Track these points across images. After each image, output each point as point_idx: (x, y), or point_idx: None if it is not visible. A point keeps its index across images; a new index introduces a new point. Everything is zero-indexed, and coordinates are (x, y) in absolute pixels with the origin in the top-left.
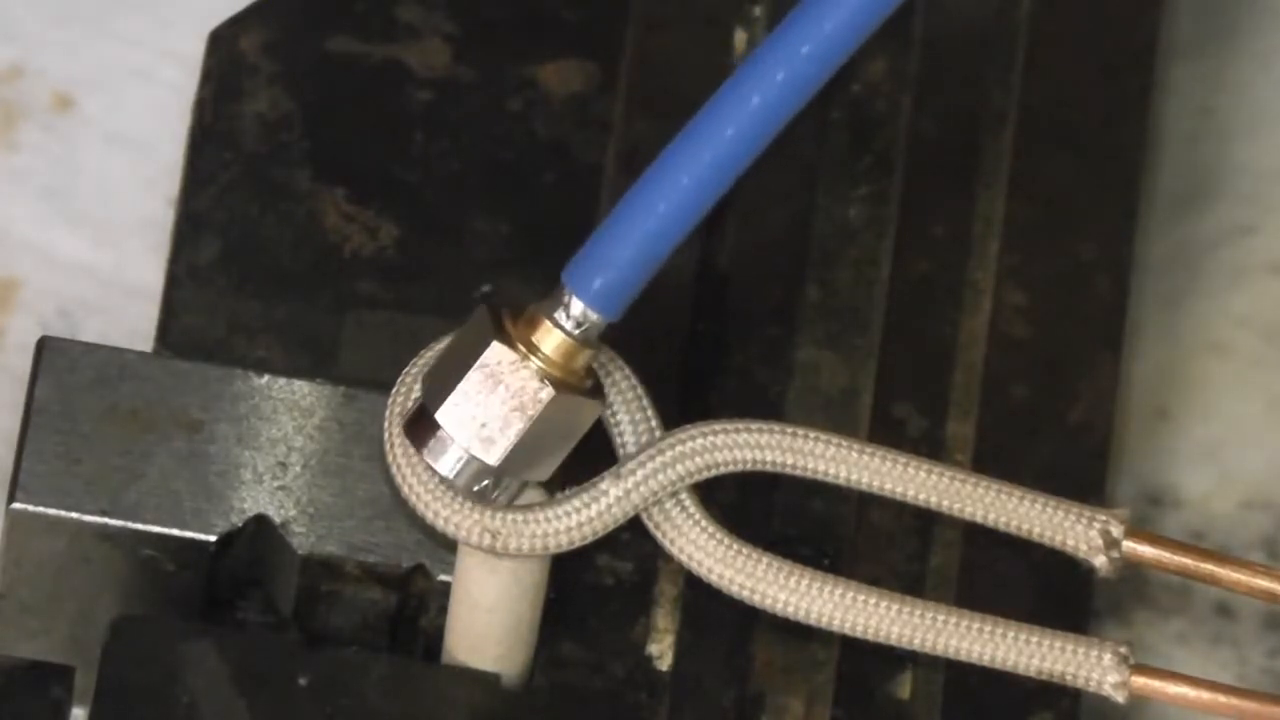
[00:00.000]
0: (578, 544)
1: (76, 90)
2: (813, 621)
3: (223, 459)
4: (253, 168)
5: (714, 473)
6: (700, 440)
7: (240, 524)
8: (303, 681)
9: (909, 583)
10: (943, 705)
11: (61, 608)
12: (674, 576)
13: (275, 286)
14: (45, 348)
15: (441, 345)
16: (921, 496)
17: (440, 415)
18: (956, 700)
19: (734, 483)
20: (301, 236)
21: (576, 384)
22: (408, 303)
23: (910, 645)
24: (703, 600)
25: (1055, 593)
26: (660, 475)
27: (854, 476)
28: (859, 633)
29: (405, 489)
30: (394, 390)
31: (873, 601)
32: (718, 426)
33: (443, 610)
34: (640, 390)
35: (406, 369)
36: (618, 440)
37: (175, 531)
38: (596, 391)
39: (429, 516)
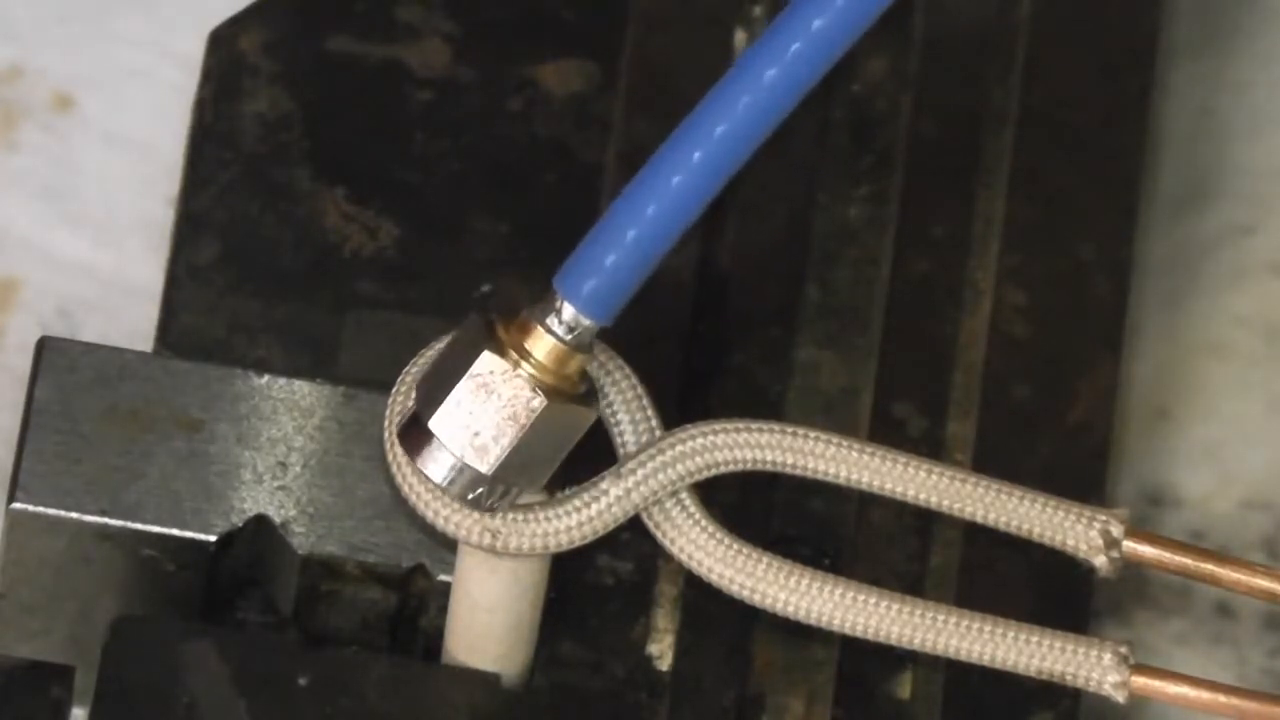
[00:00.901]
0: (578, 543)
1: (76, 90)
2: (813, 621)
3: (223, 459)
4: (253, 168)
5: (714, 472)
6: (700, 440)
7: (240, 524)
8: (303, 681)
9: (909, 583)
10: (943, 705)
11: (61, 608)
12: (674, 576)
13: (275, 286)
14: (45, 348)
15: (438, 346)
16: (921, 496)
17: (433, 424)
18: (956, 700)
19: (734, 483)
20: (301, 236)
21: (569, 390)
22: (408, 303)
23: (910, 645)
24: (703, 600)
25: (1055, 593)
26: (660, 475)
27: (854, 476)
28: (859, 632)
29: (406, 488)
30: (394, 390)
31: (873, 601)
32: (718, 426)
33: (443, 610)
34: (640, 390)
35: (406, 369)
36: (618, 440)
37: (175, 531)
38: (590, 398)
39: (429, 516)
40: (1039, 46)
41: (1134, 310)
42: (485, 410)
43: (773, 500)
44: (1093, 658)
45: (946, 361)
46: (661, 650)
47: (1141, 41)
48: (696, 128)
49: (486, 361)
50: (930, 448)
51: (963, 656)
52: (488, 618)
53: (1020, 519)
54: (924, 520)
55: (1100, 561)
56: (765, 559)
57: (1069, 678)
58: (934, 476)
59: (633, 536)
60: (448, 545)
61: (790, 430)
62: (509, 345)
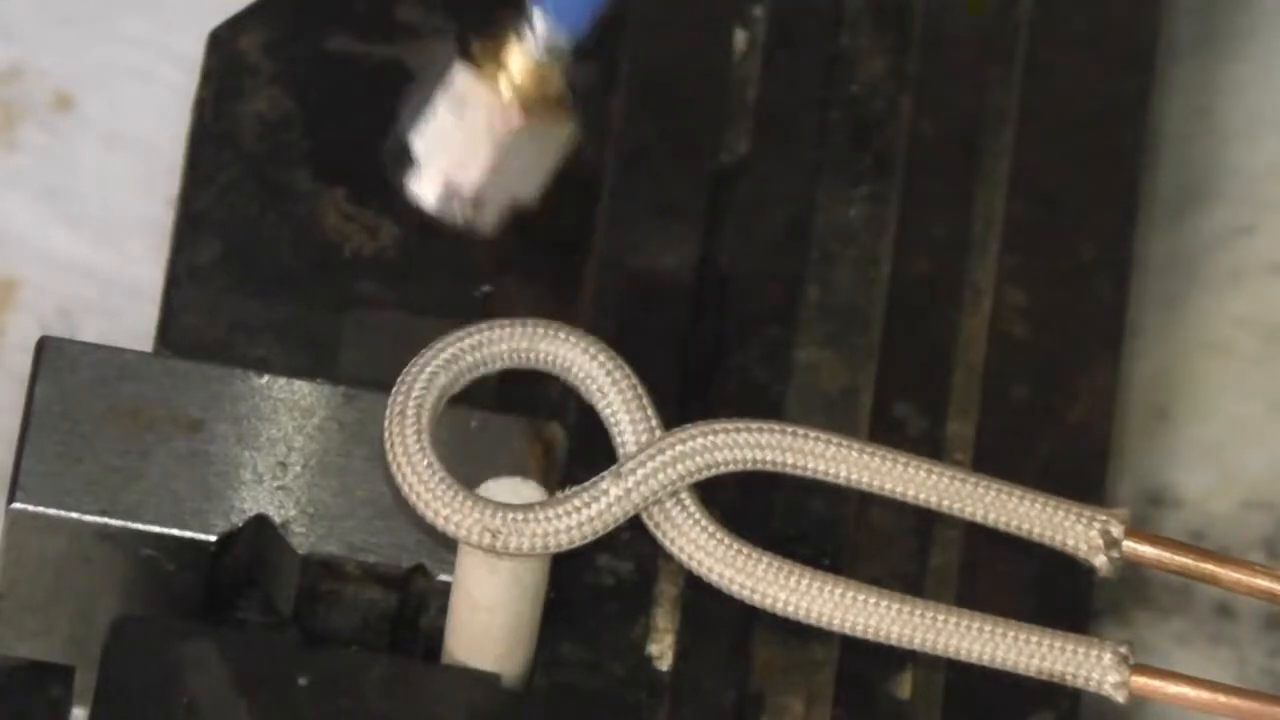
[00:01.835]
0: (578, 543)
1: (76, 90)
2: (812, 621)
3: (223, 459)
4: (253, 168)
5: (714, 472)
6: (700, 440)
7: (240, 524)
8: (303, 681)
9: (909, 583)
10: (943, 705)
11: (61, 608)
12: (674, 576)
13: (275, 286)
14: (45, 348)
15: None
16: (921, 496)
17: (415, 143)
18: (957, 700)
19: (734, 482)
20: (301, 236)
21: (548, 102)
22: (408, 303)
23: (910, 645)
24: (703, 600)
25: (1055, 593)
26: (660, 475)
27: (854, 476)
28: (859, 632)
29: (406, 488)
30: (394, 389)
31: (872, 601)
32: (718, 426)
33: (443, 610)
34: (640, 390)
35: (407, 368)
36: (618, 440)
37: (175, 531)
38: (567, 109)
39: (429, 516)
40: (1039, 46)
41: (1134, 310)
42: (463, 125)
43: (773, 500)
44: (1092, 658)
45: (946, 361)
46: (661, 650)
47: (1142, 41)
48: None
49: (463, 77)
50: (930, 448)
51: (962, 656)
52: (487, 617)
53: (1020, 519)
54: (924, 521)
55: (1100, 561)
56: (765, 559)
57: (1069, 678)
58: (934, 476)
59: (633, 536)
60: (448, 545)
61: (790, 430)
62: (484, 62)
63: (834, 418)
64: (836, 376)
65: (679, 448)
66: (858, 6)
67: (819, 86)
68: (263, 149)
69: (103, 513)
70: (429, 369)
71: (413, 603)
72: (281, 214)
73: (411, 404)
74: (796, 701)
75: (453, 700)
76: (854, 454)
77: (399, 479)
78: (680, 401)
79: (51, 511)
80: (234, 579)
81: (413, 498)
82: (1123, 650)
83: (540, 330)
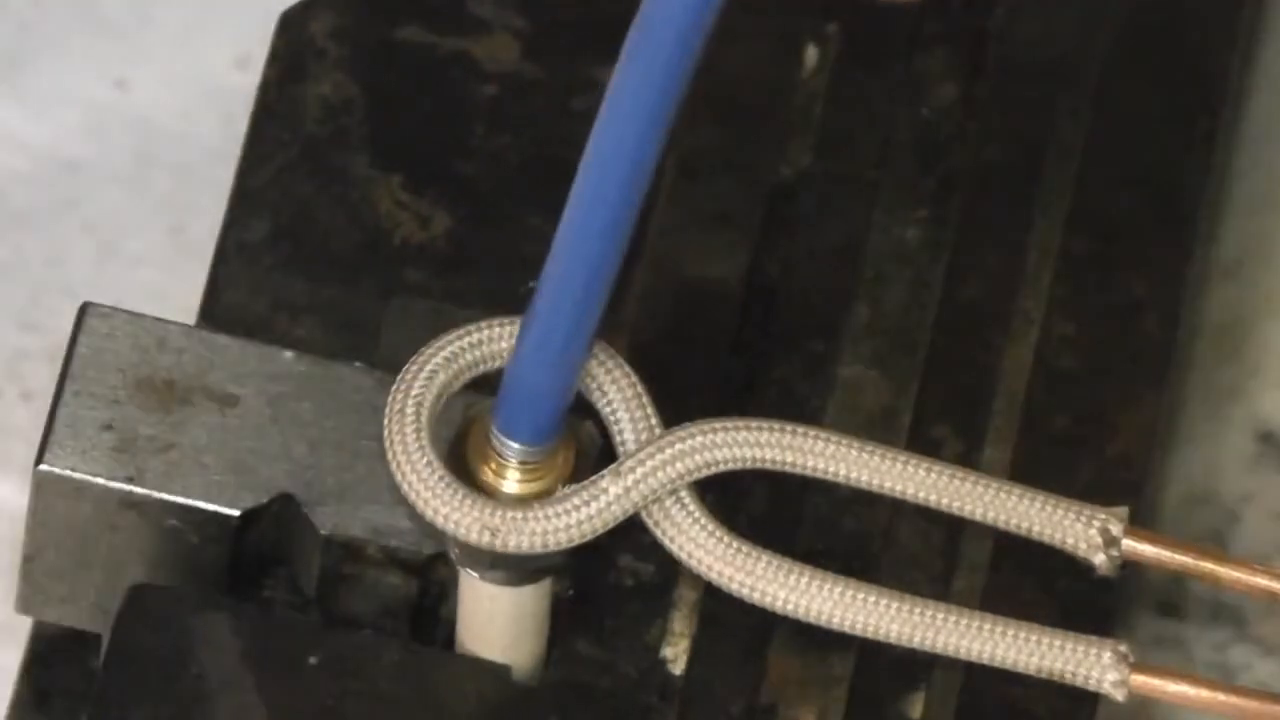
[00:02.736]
0: (577, 541)
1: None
2: (812, 619)
3: (254, 435)
4: (311, 150)
5: (714, 470)
6: (700, 438)
7: (266, 500)
8: (313, 661)
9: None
10: None
11: (88, 574)
12: (695, 581)
13: (322, 268)
14: (87, 313)
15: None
16: (921, 495)
17: None
18: None
19: (764, 495)
20: (353, 220)
21: None
22: (453, 293)
23: (910, 643)
24: (722, 607)
25: (1077, 621)
26: (660, 473)
27: (854, 475)
28: (859, 630)
29: (405, 485)
30: (394, 387)
31: (872, 600)
32: (717, 424)
33: None
34: (640, 389)
35: (406, 366)
36: (617, 439)
37: (199, 503)
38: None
39: (429, 514)
40: (1111, 81)
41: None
42: None
43: (801, 515)
44: (1092, 656)
45: (989, 387)
46: (676, 654)
47: (1213, 84)
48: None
49: None
50: None
51: (962, 654)
52: (490, 605)
53: (1019, 517)
54: (951, 542)
55: (1099, 560)
56: (765, 557)
57: (1069, 676)
58: (933, 475)
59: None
60: None
61: (790, 429)
62: None
63: (872, 435)
64: (878, 395)
65: (678, 446)
66: (934, 30)
67: (886, 106)
68: (323, 132)
69: (129, 480)
70: (429, 367)
71: (434, 590)
72: (335, 197)
73: (411, 402)
74: (808, 715)
75: (461, 689)
76: (853, 452)
77: (398, 476)
78: (720, 410)
79: (78, 475)
80: (260, 556)
81: (412, 495)
82: (1122, 649)
83: None
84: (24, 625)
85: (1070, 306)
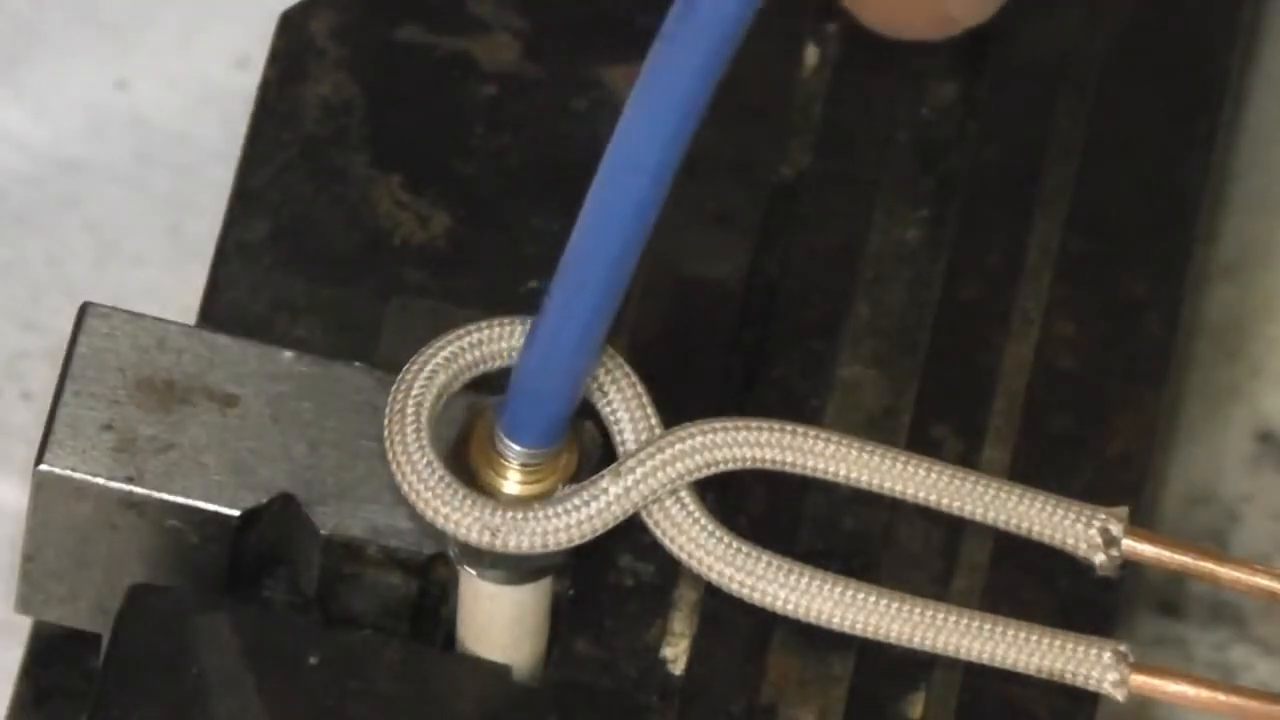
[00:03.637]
0: (577, 541)
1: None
2: (812, 619)
3: (254, 435)
4: (311, 149)
5: (713, 470)
6: (699, 438)
7: (266, 500)
8: (313, 661)
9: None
10: None
11: (88, 574)
12: (695, 582)
13: (322, 268)
14: (87, 313)
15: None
16: (921, 495)
17: None
18: None
19: (763, 496)
20: (353, 220)
21: None
22: (453, 293)
23: (910, 643)
24: (722, 608)
25: (1078, 622)
26: (660, 473)
27: (853, 474)
28: (857, 630)
29: (405, 486)
30: (394, 387)
31: (872, 600)
32: (716, 424)
33: None
34: (640, 389)
35: (406, 366)
36: (617, 439)
37: (199, 504)
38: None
39: (429, 514)
40: (1111, 81)
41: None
42: None
43: (801, 515)
44: (1092, 656)
45: (989, 387)
46: (676, 654)
47: (1213, 84)
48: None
49: None
50: None
51: (962, 654)
52: (490, 605)
53: (1019, 517)
54: (951, 542)
55: (1099, 560)
56: (765, 557)
57: (1069, 676)
58: (933, 475)
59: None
60: None
61: (789, 428)
62: None
63: (872, 435)
64: (878, 395)
65: (678, 446)
66: None
67: (887, 106)
68: (322, 132)
69: (129, 480)
70: (429, 367)
71: (434, 590)
72: (335, 197)
73: (411, 402)
74: (808, 715)
75: (461, 689)
76: (853, 452)
77: (398, 476)
78: (719, 409)
79: (77, 475)
80: (260, 556)
81: (412, 495)
82: (1122, 649)
83: None
84: (24, 625)
85: (1070, 306)
